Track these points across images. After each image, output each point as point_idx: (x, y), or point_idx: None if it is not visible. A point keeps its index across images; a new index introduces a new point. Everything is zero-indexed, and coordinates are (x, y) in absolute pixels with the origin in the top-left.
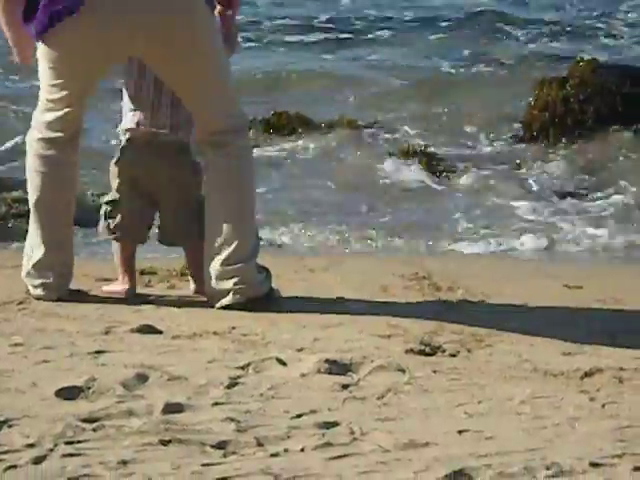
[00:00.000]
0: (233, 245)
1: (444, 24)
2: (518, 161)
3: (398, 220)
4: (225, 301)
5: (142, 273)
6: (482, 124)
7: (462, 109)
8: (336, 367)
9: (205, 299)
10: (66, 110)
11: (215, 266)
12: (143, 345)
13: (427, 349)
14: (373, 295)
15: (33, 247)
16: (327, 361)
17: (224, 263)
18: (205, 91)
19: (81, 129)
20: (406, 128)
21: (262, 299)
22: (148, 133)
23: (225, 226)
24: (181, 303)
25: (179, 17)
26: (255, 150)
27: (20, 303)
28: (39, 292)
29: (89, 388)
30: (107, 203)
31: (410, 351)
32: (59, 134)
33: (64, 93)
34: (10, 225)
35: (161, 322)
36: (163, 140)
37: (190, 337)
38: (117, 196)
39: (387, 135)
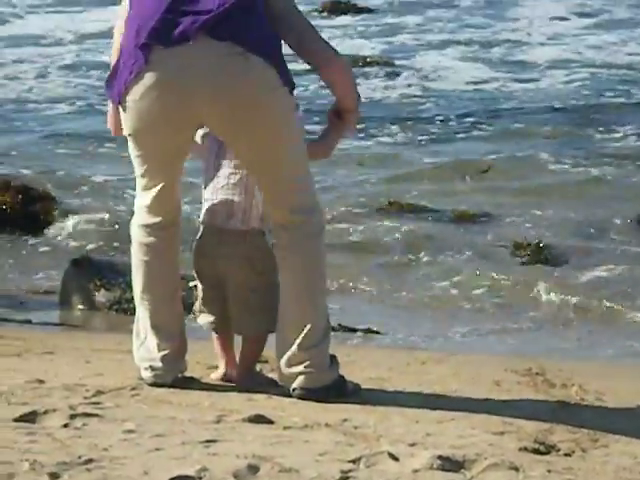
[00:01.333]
0: (306, 328)
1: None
2: None
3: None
4: (295, 384)
5: None
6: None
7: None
8: (449, 464)
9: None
10: (158, 191)
11: (286, 349)
12: (255, 435)
13: (541, 447)
14: (486, 390)
15: (145, 332)
16: (440, 457)
17: (296, 347)
18: (273, 168)
19: (179, 212)
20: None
21: (331, 387)
22: (218, 228)
23: (297, 308)
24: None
25: (243, 85)
26: None
27: (133, 389)
28: (151, 378)
29: (200, 478)
30: (199, 296)
31: (524, 449)
32: (158, 219)
33: (151, 171)
34: (124, 308)
35: (272, 412)
36: (233, 230)
37: (301, 428)
38: (201, 288)
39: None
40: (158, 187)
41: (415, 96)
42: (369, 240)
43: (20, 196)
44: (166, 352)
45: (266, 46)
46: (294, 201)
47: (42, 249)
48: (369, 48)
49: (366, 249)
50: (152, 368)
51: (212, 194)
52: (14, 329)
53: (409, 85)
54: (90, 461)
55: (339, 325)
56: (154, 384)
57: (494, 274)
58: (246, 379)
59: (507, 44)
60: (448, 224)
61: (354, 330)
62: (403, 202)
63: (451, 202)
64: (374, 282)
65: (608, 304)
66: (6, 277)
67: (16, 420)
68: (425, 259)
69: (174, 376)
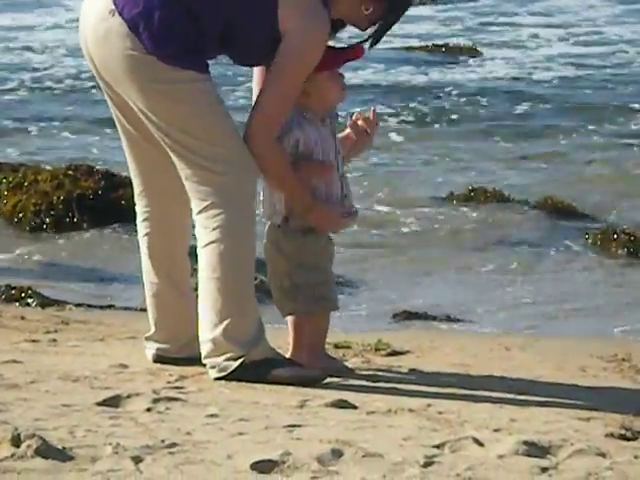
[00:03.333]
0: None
1: None
2: None
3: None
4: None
5: (336, 347)
6: None
7: None
8: (535, 449)
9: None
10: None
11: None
12: (338, 420)
13: (628, 434)
14: (572, 376)
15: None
16: (525, 443)
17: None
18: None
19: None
20: None
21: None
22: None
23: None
24: (376, 378)
25: (102, 44)
26: None
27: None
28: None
29: (284, 462)
30: None
31: (610, 435)
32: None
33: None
34: None
35: (356, 397)
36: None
37: (385, 413)
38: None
39: None
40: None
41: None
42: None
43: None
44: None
45: (135, 12)
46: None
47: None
48: None
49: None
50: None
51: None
52: (97, 314)
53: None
54: (173, 445)
55: (425, 313)
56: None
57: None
58: (313, 362)
59: None
60: None
61: (435, 318)
62: None
63: None
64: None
65: None
66: (89, 262)
67: (99, 404)
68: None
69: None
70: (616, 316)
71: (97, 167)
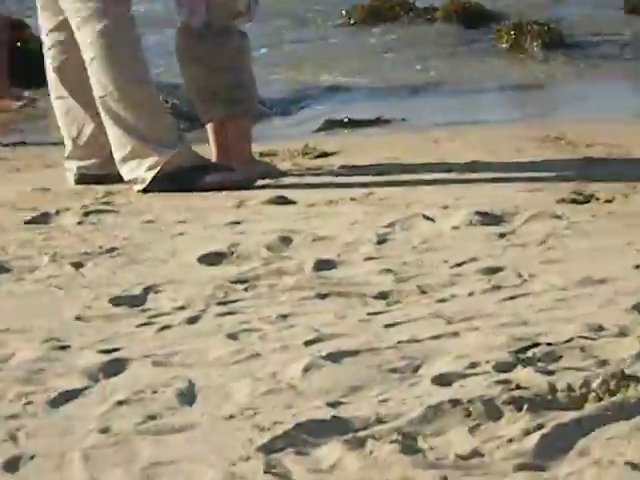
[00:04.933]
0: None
1: None
2: None
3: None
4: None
5: (262, 155)
6: None
7: None
8: (488, 218)
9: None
10: None
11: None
12: (279, 214)
13: (580, 198)
14: (508, 157)
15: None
16: (478, 213)
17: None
18: None
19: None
20: None
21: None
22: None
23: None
24: (310, 177)
25: None
26: None
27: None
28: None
29: (232, 253)
30: None
31: (562, 200)
32: None
33: None
34: None
35: (292, 193)
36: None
37: (327, 204)
38: None
39: None
40: None
41: None
42: None
43: None
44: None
45: None
46: None
47: None
48: None
49: None
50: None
51: None
52: (10, 150)
53: None
54: (113, 249)
55: (349, 119)
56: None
57: None
58: (242, 166)
59: None
60: None
61: (367, 122)
62: None
63: None
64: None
65: None
66: None
67: (28, 222)
68: None
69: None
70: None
71: None
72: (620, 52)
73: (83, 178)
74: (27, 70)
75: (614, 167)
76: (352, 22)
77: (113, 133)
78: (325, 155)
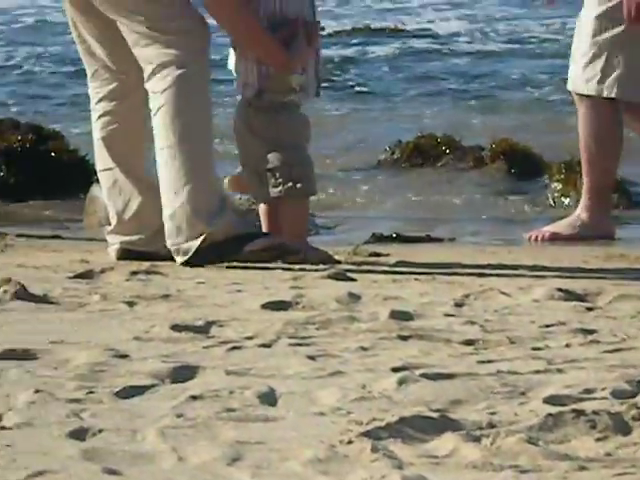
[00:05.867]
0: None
1: None
2: None
3: None
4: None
5: None
6: None
7: None
8: (571, 295)
9: None
10: None
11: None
12: (340, 286)
13: None
14: (574, 264)
15: None
16: (559, 290)
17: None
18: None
19: None
20: None
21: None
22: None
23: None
24: (365, 267)
25: None
26: None
27: None
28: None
29: (298, 303)
30: None
31: None
32: None
33: None
34: None
35: (351, 274)
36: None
37: (390, 282)
38: None
39: None
40: None
41: None
42: None
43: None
44: None
45: None
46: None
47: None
48: None
49: None
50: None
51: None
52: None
53: None
54: (167, 296)
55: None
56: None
57: None
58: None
59: None
60: None
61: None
62: None
63: None
64: None
65: None
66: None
67: (72, 277)
68: None
69: None
70: None
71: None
72: None
73: (126, 253)
74: (62, 182)
75: None
76: (395, 158)
77: (162, 190)
78: (377, 255)
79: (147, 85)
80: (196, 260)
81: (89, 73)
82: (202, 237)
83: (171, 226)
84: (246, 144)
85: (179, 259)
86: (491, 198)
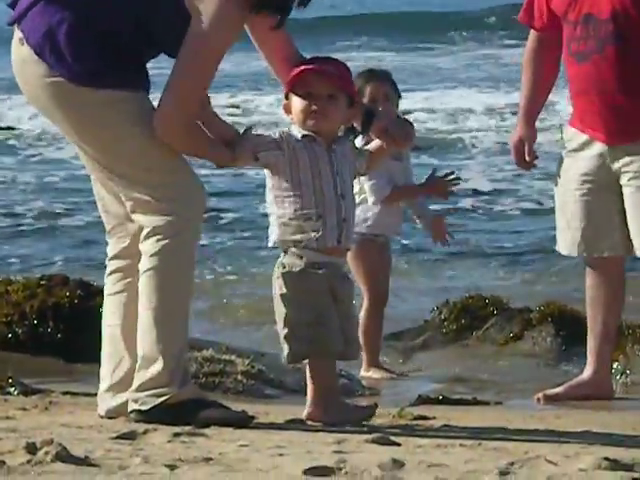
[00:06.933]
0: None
1: None
2: None
3: None
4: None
5: None
6: None
7: None
8: (618, 465)
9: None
10: None
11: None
12: (385, 451)
13: None
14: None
15: None
16: (606, 459)
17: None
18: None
19: None
20: None
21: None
22: None
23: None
24: (410, 429)
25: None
26: None
27: None
28: None
29: (340, 469)
30: None
31: None
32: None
33: None
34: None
35: (395, 438)
36: None
37: (435, 447)
38: None
39: None
40: None
41: None
42: None
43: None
44: None
45: (38, 36)
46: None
47: None
48: None
49: None
50: None
51: None
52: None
53: None
54: (209, 459)
55: (443, 397)
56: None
57: None
58: (325, 415)
59: None
60: None
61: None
62: None
63: None
64: None
65: None
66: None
67: (115, 438)
68: None
69: None
70: None
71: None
72: None
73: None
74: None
75: None
76: (443, 318)
77: (139, 347)
78: (423, 418)
79: (140, 246)
80: (148, 418)
81: (107, 229)
82: (165, 397)
83: (137, 381)
84: (273, 301)
85: (132, 406)
86: (538, 361)
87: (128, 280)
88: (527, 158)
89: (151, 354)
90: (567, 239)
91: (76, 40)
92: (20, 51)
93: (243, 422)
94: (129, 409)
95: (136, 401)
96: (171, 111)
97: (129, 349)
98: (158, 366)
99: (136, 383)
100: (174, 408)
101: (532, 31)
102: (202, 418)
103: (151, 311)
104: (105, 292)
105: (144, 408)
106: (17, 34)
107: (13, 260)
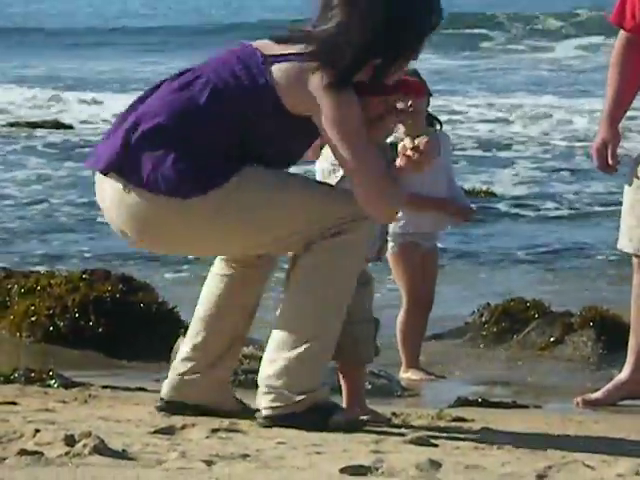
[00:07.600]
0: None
1: None
2: None
3: None
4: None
5: (394, 415)
6: None
7: None
8: None
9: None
10: None
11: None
12: (422, 451)
13: None
14: None
15: None
16: None
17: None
18: None
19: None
20: None
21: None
22: None
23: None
24: (447, 432)
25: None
26: None
27: None
28: None
29: (377, 468)
30: None
31: None
32: None
33: None
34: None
35: (431, 437)
36: None
37: (472, 449)
38: None
39: None
40: None
41: None
42: None
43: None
44: None
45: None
46: None
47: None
48: None
49: None
50: None
51: None
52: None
53: None
54: (246, 456)
55: (482, 399)
56: None
57: None
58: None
59: None
60: None
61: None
62: None
63: None
64: None
65: None
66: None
67: (153, 433)
68: None
69: None
70: None
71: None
72: None
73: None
74: (150, 333)
75: None
76: (483, 321)
77: (280, 326)
78: (462, 420)
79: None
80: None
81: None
82: (304, 395)
83: (275, 369)
84: None
85: (265, 413)
86: (578, 365)
87: (231, 289)
88: (610, 162)
89: (295, 342)
90: (636, 236)
91: (180, 164)
92: (128, 200)
93: (361, 426)
94: (263, 404)
95: (270, 392)
96: (376, 200)
97: (221, 332)
98: (303, 360)
99: (272, 370)
100: (311, 410)
101: (621, 32)
102: (333, 422)
103: (314, 302)
104: (212, 271)
105: (283, 404)
106: (112, 184)
107: (55, 254)
